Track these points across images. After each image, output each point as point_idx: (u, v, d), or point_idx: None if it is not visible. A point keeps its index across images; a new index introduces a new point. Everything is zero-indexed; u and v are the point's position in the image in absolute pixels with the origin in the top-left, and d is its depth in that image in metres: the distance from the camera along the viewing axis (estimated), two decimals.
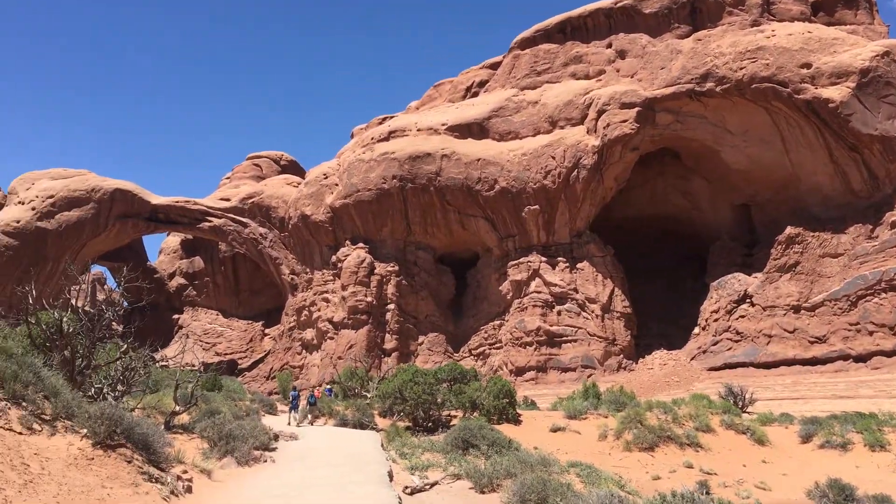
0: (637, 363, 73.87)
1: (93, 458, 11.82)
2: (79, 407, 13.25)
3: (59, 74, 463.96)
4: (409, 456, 22.09)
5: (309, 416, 38.31)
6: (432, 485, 16.84)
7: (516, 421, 32.76)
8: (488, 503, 15.02)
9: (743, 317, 68.47)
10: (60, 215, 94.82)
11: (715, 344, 69.51)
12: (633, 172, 78.24)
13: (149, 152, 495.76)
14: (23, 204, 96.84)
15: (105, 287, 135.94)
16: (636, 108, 72.94)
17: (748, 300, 68.81)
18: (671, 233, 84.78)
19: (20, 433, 11.60)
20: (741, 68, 67.41)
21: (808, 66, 65.34)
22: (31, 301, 17.87)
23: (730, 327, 68.70)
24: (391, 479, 16.09)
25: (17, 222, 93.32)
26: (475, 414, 32.49)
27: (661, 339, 77.60)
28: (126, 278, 22.61)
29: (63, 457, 11.50)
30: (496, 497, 15.46)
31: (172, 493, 12.39)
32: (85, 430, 12.47)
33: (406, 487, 16.28)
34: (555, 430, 31.26)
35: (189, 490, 13.22)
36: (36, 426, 12.17)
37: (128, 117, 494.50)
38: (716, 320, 70.86)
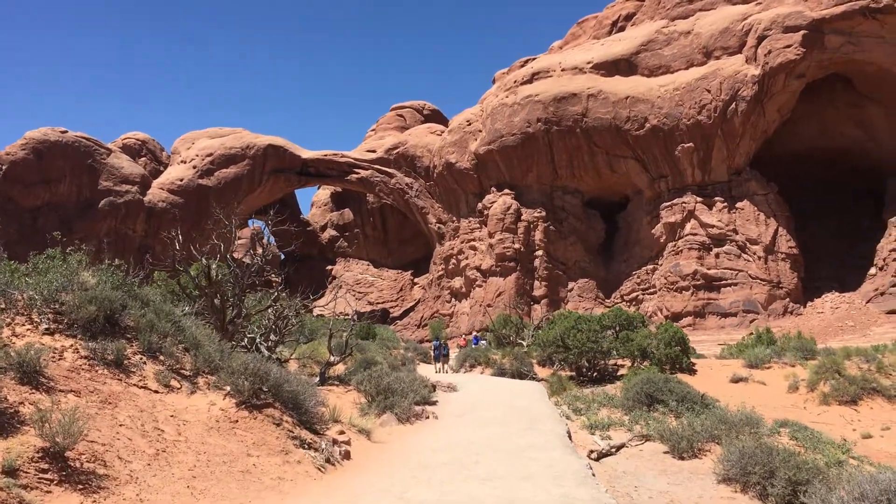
0: (805, 307, 68.78)
1: (237, 421, 10.39)
2: (222, 360, 11.89)
3: (212, 40, 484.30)
4: (584, 412, 19.94)
5: (443, 364, 38.29)
6: (618, 448, 14.74)
7: (691, 371, 30.05)
8: (692, 471, 12.71)
9: None
10: (219, 172, 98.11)
11: (895, 285, 63.56)
12: (798, 102, 71.84)
13: (297, 108, 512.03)
14: (185, 163, 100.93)
15: (263, 241, 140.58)
16: (802, 32, 66.54)
17: None
18: (843, 167, 77.58)
19: (156, 391, 10.28)
20: None
21: None
22: (177, 248, 17.02)
23: None
24: (570, 441, 14.15)
25: (181, 180, 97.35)
26: (645, 363, 30.10)
27: (831, 281, 71.79)
28: (273, 220, 21.61)
29: (203, 419, 10.11)
30: (701, 465, 13.12)
31: (328, 460, 10.80)
32: (228, 388, 11.07)
33: (591, 452, 14.15)
34: (736, 380, 28.40)
35: (347, 456, 11.61)
36: (174, 383, 10.85)
37: (274, 74, 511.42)
38: (895, 259, 64.72)
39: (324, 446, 11.11)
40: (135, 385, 10.07)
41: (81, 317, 10.42)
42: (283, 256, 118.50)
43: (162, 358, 11.48)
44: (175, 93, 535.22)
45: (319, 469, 10.43)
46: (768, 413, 20.67)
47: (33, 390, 8.52)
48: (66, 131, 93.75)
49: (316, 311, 74.74)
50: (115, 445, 8.22)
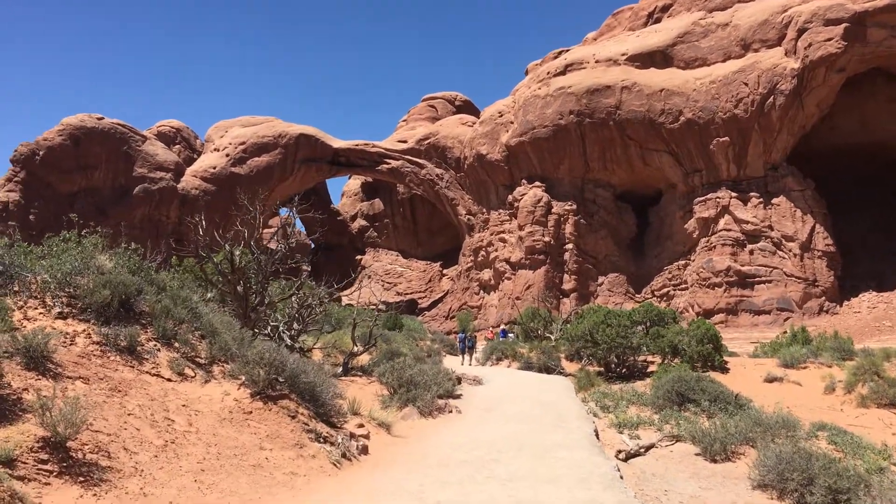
0: (841, 306, 67.41)
1: (250, 412, 10.01)
2: (239, 348, 11.53)
3: (251, 31, 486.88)
4: (612, 409, 19.38)
5: (468, 356, 38.71)
6: (647, 448, 14.19)
7: (723, 369, 29.30)
8: (725, 475, 12.14)
9: None
10: (251, 161, 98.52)
11: None
12: (837, 97, 70.36)
13: (329, 98, 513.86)
14: (218, 151, 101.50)
15: (293, 230, 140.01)
16: (843, 25, 64.98)
17: None
18: (884, 161, 75.89)
19: (168, 380, 9.93)
20: None
21: None
22: (200, 233, 16.75)
23: None
24: (598, 439, 13.64)
25: (214, 168, 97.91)
26: (675, 360, 29.42)
27: (869, 279, 70.23)
28: (297, 206, 21.26)
29: (216, 409, 9.74)
30: (734, 468, 12.54)
31: (344, 455, 10.43)
32: (243, 378, 10.72)
33: (619, 452, 13.60)
34: (770, 380, 27.59)
35: (364, 451, 11.25)
36: (188, 371, 10.52)
37: (307, 64, 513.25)
38: None
39: (340, 440, 10.73)
40: (147, 372, 9.80)
41: (95, 301, 10.12)
42: (312, 245, 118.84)
43: (177, 345, 11.18)
44: (209, 81, 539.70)
45: (335, 464, 10.07)
46: (804, 414, 19.99)
47: (39, 376, 8.22)
48: (102, 118, 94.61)
49: (345, 301, 74.83)
50: (121, 436, 7.89)
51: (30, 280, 10.31)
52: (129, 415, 8.35)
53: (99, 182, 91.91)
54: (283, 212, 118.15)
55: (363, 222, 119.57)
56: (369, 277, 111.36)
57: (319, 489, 8.91)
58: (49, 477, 6.66)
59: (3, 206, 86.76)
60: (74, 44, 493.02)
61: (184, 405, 9.39)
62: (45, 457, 6.84)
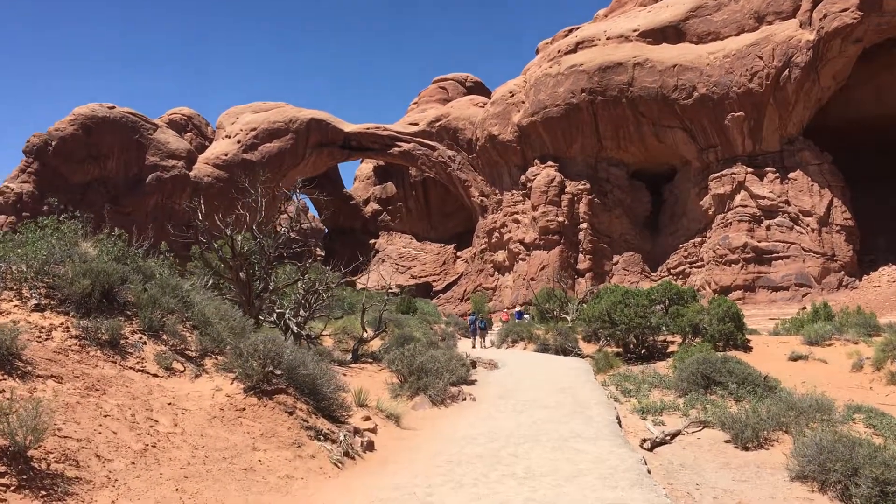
0: (860, 280, 66.34)
1: (243, 409, 9.22)
2: (235, 338, 10.72)
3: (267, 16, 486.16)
4: (633, 393, 18.56)
5: (479, 338, 38.18)
6: (673, 435, 13.36)
7: (745, 348, 28.41)
8: (759, 464, 11.30)
9: None
10: (263, 147, 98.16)
11: None
12: (853, 68, 68.91)
13: (339, 82, 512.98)
14: (229, 137, 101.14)
15: (308, 215, 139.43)
16: None
17: None
18: None
19: (154, 375, 9.17)
20: None
21: None
22: (199, 218, 16.02)
23: None
24: (620, 427, 12.87)
25: (226, 155, 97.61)
26: (696, 340, 28.61)
27: (888, 253, 69.08)
28: (299, 187, 20.49)
29: (206, 407, 8.94)
30: (768, 456, 11.70)
31: (347, 454, 9.66)
32: (237, 371, 9.95)
33: (644, 441, 12.78)
34: (795, 358, 26.69)
35: (370, 447, 10.47)
36: (177, 365, 9.76)
37: (321, 49, 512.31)
38: None
39: (342, 437, 9.93)
40: (131, 368, 9.05)
41: (75, 292, 9.37)
42: (326, 230, 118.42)
43: (165, 337, 10.43)
44: (220, 68, 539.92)
45: (336, 464, 9.31)
46: (832, 394, 19.11)
47: (5, 376, 7.44)
48: (113, 107, 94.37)
49: (359, 285, 74.35)
50: (94, 441, 7.11)
51: (4, 270, 9.57)
52: (105, 416, 7.59)
53: (111, 171, 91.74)
54: (302, 198, 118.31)
55: (376, 206, 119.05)
56: (383, 261, 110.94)
57: (317, 494, 8.16)
58: (6, 492, 5.89)
59: (18, 197, 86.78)
60: (84, 34, 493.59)
61: (170, 403, 8.63)
62: (1, 469, 6.06)
